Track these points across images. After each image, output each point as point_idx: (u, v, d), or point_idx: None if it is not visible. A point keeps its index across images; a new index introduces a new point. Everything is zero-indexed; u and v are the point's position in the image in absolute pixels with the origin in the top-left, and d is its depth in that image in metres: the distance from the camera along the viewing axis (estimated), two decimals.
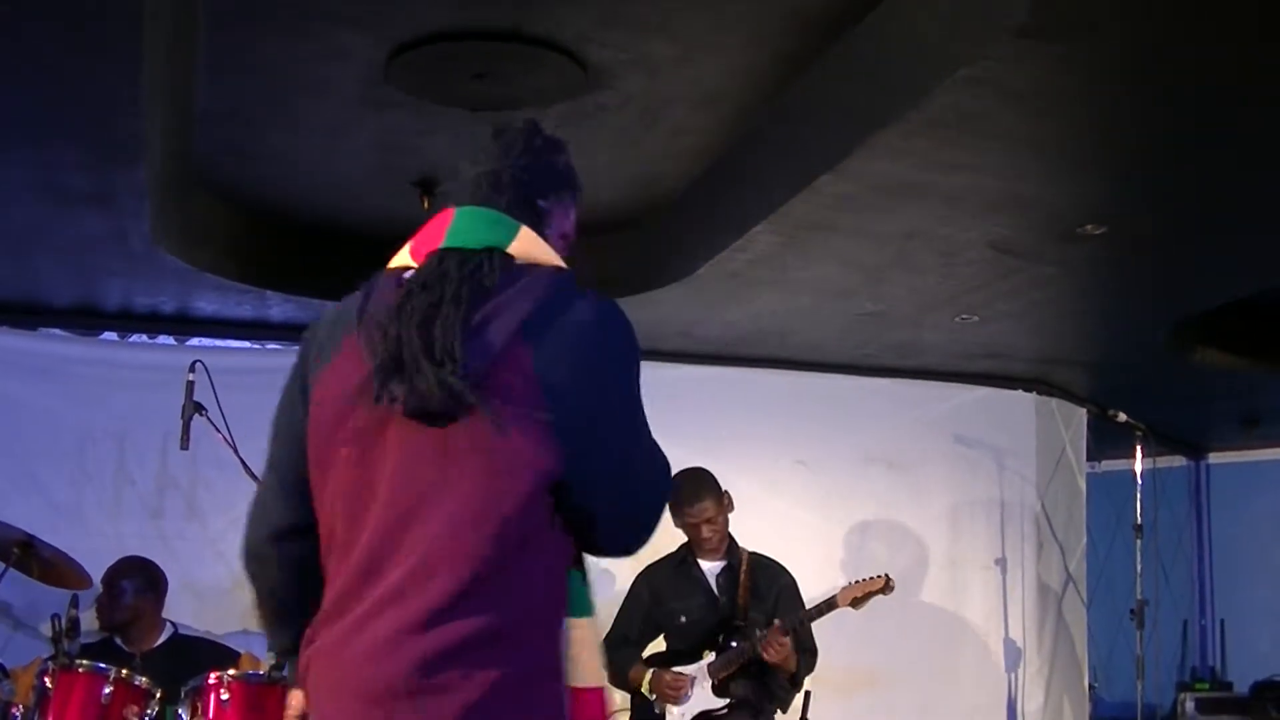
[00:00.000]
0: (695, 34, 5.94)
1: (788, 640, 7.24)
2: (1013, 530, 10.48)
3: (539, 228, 3.32)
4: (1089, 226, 7.09)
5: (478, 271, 3.15)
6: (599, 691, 3.13)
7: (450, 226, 3.31)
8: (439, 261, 3.21)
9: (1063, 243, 7.32)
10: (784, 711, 7.54)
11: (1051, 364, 10.31)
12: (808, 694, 7.88)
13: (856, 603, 7.46)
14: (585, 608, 3.12)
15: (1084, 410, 11.10)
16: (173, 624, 7.79)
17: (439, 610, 2.90)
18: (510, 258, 3.20)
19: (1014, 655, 10.34)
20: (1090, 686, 11.05)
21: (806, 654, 7.52)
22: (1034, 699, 10.35)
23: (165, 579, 8.04)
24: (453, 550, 2.93)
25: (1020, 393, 10.65)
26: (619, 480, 3.11)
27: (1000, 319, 8.90)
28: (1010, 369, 10.38)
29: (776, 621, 7.33)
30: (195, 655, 7.55)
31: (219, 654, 7.75)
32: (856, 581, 7.54)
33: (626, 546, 3.23)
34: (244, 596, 8.03)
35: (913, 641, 10.07)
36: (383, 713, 2.89)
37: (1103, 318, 9.30)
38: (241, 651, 7.96)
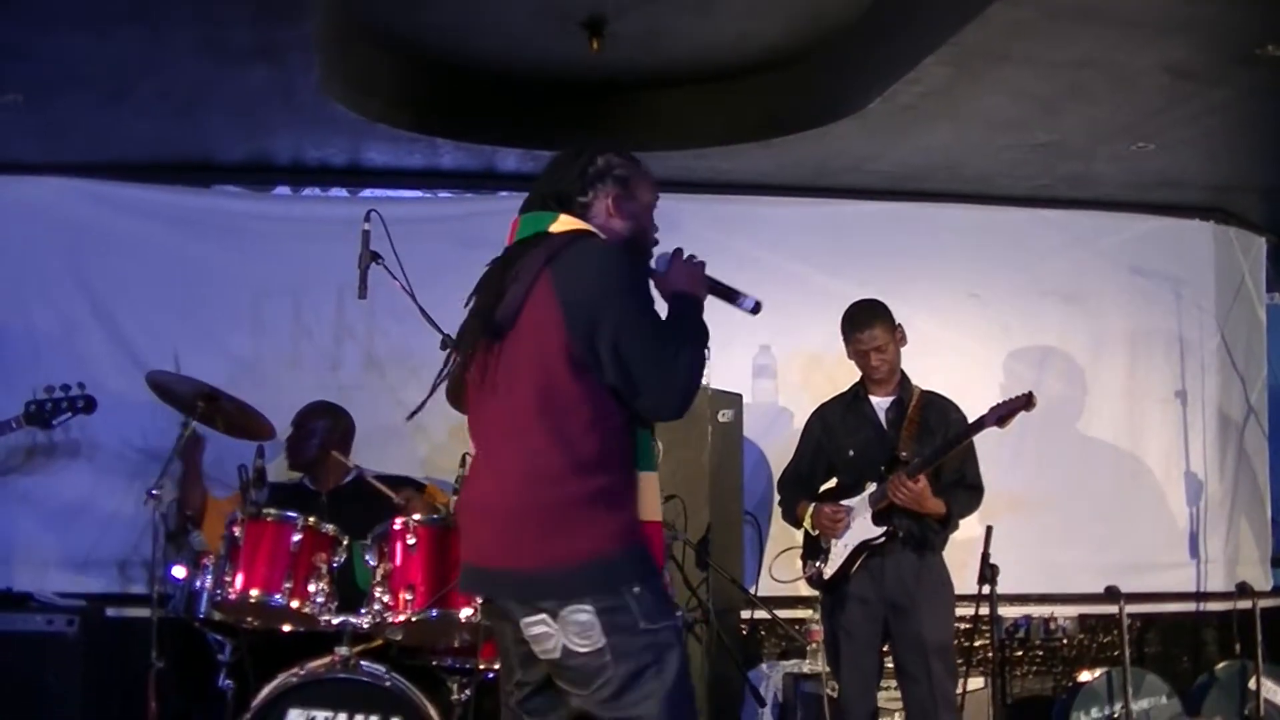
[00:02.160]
0: None
1: (916, 485, 7.17)
2: (1192, 362, 10.34)
3: (584, 216, 4.72)
4: (1269, 47, 6.92)
5: (522, 248, 4.66)
6: (657, 525, 4.69)
7: (516, 231, 4.79)
8: (504, 254, 4.77)
9: (1241, 65, 7.16)
10: (935, 552, 7.46)
11: (1229, 192, 10.10)
12: (989, 529, 7.86)
13: (1002, 420, 7.37)
14: (648, 462, 4.61)
15: (1263, 239, 10.87)
16: (359, 468, 7.88)
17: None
18: (549, 234, 4.63)
19: (1195, 489, 10.23)
20: (1273, 519, 10.90)
21: (966, 490, 7.47)
22: (1216, 532, 10.24)
23: (353, 424, 8.17)
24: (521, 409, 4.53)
25: (1197, 222, 10.45)
26: (622, 363, 4.38)
27: (1176, 146, 8.73)
28: (1186, 198, 10.18)
29: (904, 462, 7.30)
30: (377, 494, 7.64)
31: (402, 483, 7.86)
32: (1001, 401, 7.47)
33: (654, 414, 4.58)
34: (422, 445, 8.20)
35: (1093, 473, 10.01)
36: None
37: None
38: (426, 483, 8.07)
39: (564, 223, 4.65)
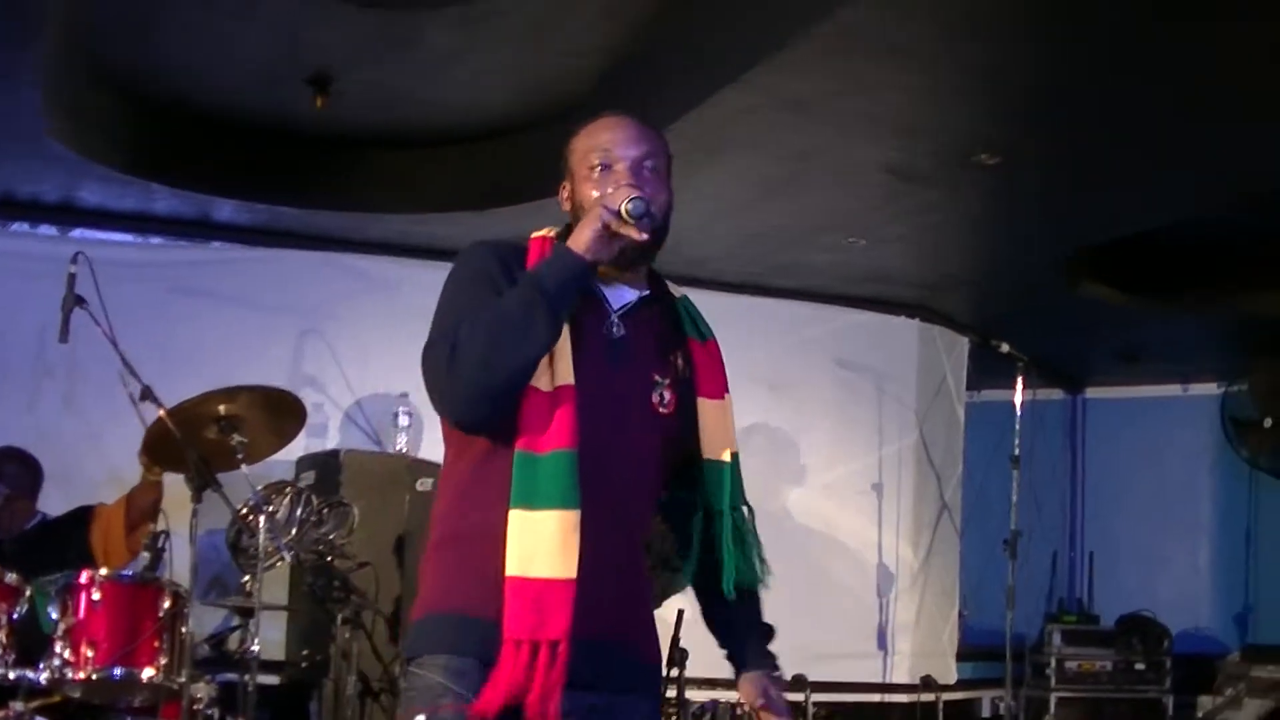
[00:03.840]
0: None
1: None
2: (890, 456, 10.54)
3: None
4: (984, 155, 7.12)
5: None
6: (549, 583, 3.32)
7: None
8: None
9: (958, 170, 7.36)
10: None
11: (936, 291, 10.34)
12: (680, 613, 7.89)
13: None
14: (534, 496, 3.36)
15: (965, 339, 11.16)
16: (43, 514, 7.68)
17: None
18: None
19: (887, 580, 10.41)
20: (960, 614, 11.14)
21: (669, 572, 7.50)
22: (905, 624, 10.43)
23: (42, 470, 7.94)
24: None
25: (903, 319, 10.68)
26: None
27: (889, 243, 8.93)
28: (894, 294, 10.41)
29: None
30: (56, 531, 7.47)
31: (74, 519, 7.67)
32: None
33: (442, 413, 3.54)
34: (117, 491, 8.01)
35: (787, 563, 9.95)
36: None
37: (990, 247, 9.37)
38: (97, 504, 7.84)
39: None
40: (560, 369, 3.40)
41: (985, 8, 5.54)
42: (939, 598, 10.80)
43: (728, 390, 3.79)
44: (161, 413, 6.69)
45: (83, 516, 7.63)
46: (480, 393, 3.35)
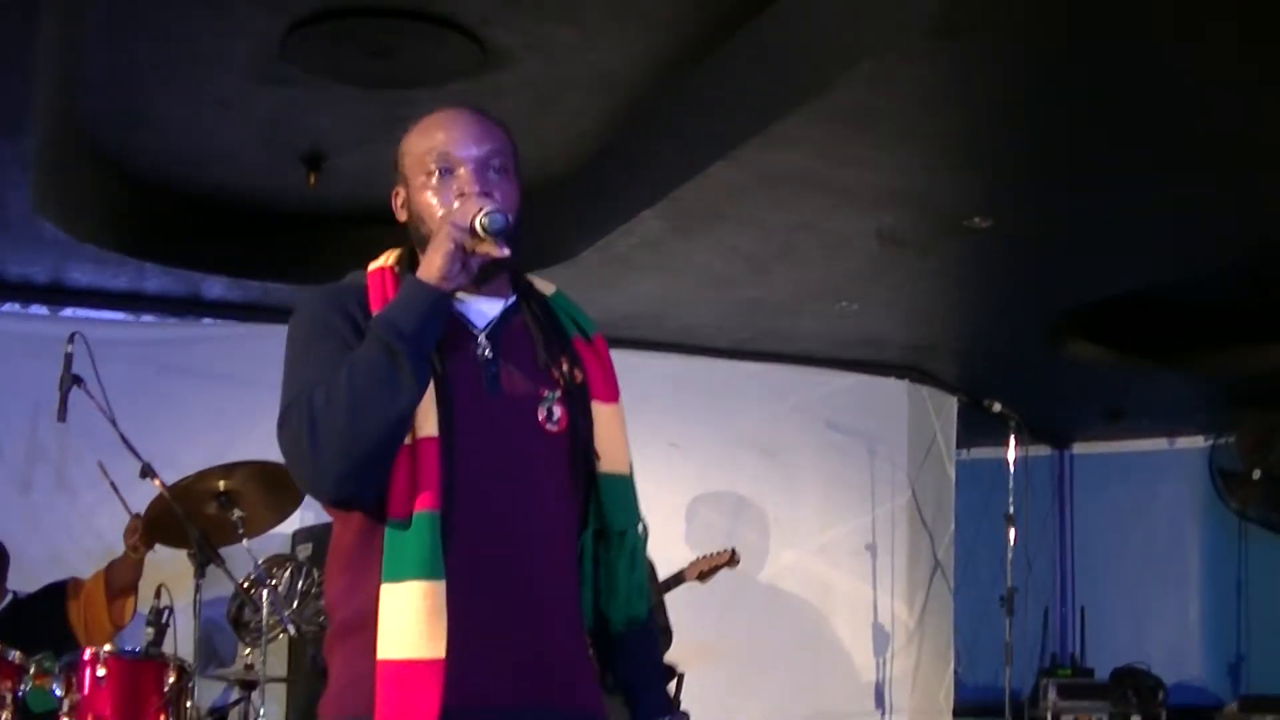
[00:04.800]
0: (596, 19, 5.96)
1: None
2: (883, 516, 10.56)
3: None
4: (975, 220, 7.17)
5: None
6: (413, 665, 2.88)
7: None
8: None
9: (948, 235, 7.41)
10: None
11: (924, 353, 10.40)
12: (680, 677, 7.90)
13: (704, 576, 7.47)
14: (402, 567, 2.91)
15: (955, 399, 11.21)
16: (14, 593, 7.64)
17: None
18: None
19: (882, 640, 10.43)
20: (955, 671, 11.17)
21: (661, 633, 7.54)
22: (901, 683, 10.44)
23: (6, 553, 7.88)
24: None
25: (893, 380, 10.73)
26: None
27: (878, 308, 8.99)
28: (884, 357, 10.46)
29: None
30: (31, 609, 7.46)
31: (49, 595, 7.65)
32: (704, 556, 7.54)
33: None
34: None
35: (784, 624, 10.14)
36: None
37: (979, 309, 9.43)
38: (70, 580, 7.79)
39: None
40: (420, 420, 2.93)
41: (968, 79, 5.61)
42: (934, 655, 10.83)
43: (619, 395, 3.30)
44: (161, 489, 6.72)
45: (58, 592, 7.55)
46: (351, 465, 2.86)
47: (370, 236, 8.64)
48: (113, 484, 7.06)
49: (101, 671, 6.44)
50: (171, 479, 6.83)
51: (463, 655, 2.87)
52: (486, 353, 3.08)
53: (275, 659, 7.93)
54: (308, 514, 8.53)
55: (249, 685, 7.08)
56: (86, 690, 6.43)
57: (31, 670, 6.63)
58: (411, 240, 3.18)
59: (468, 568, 2.91)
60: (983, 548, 11.12)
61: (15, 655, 6.57)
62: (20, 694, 6.58)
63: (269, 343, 9.55)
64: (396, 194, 3.23)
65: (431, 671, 2.84)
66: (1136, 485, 12.68)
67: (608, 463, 3.22)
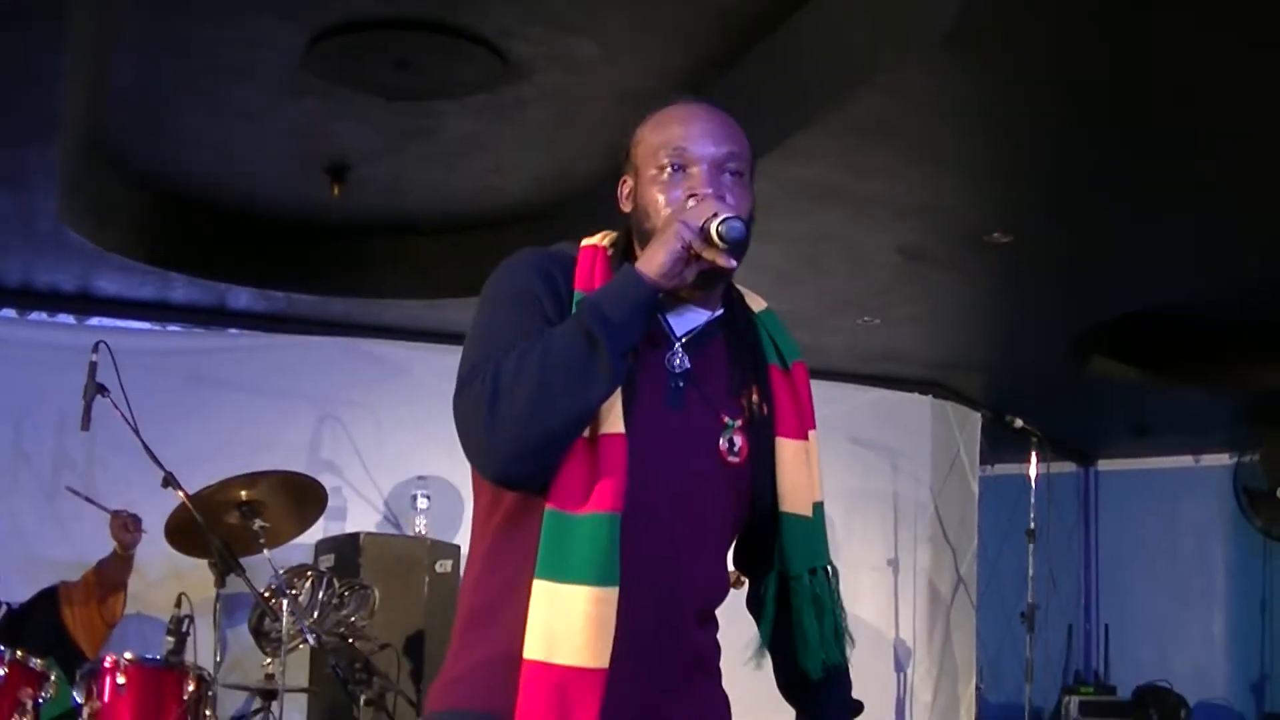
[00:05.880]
0: (616, 32, 5.97)
1: None
2: (906, 532, 10.56)
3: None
4: (997, 235, 7.17)
5: None
6: (569, 670, 2.70)
7: None
8: None
9: (970, 250, 7.40)
10: None
11: (948, 368, 10.40)
12: None
13: None
14: (564, 568, 2.73)
15: (978, 414, 11.21)
16: (7, 604, 7.65)
17: None
18: None
19: (904, 655, 10.42)
20: (977, 688, 11.15)
21: None
22: (922, 699, 10.43)
23: None
24: None
25: (916, 395, 10.73)
26: None
27: (901, 323, 8.98)
28: (907, 372, 10.47)
29: None
30: (26, 617, 7.49)
31: (42, 601, 7.67)
32: None
33: (475, 466, 2.84)
34: (135, 582, 8.05)
35: None
36: None
37: (1002, 324, 9.42)
38: (59, 584, 7.76)
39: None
40: (607, 413, 2.75)
41: (987, 91, 5.61)
42: (956, 672, 10.81)
43: (814, 426, 3.18)
44: (184, 498, 6.74)
45: (50, 597, 7.61)
46: (526, 447, 2.69)
47: (395, 245, 8.73)
48: (88, 498, 7.38)
49: (121, 680, 6.47)
50: (195, 488, 6.86)
51: (624, 669, 2.71)
52: (680, 364, 2.92)
53: (297, 669, 7.96)
54: (330, 525, 8.56)
55: (269, 695, 7.09)
56: (107, 698, 6.47)
57: (53, 677, 6.68)
58: (630, 228, 3.03)
59: (634, 580, 2.72)
60: (1006, 565, 11.10)
61: (37, 662, 6.61)
62: (41, 701, 6.63)
63: (294, 353, 9.68)
64: (624, 182, 3.08)
65: (593, 681, 2.68)
66: (1161, 502, 12.65)
67: (789, 503, 3.05)
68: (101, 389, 6.81)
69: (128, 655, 6.55)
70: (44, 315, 9.25)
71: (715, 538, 2.98)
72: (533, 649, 2.70)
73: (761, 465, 3.00)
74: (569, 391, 2.66)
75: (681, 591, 2.88)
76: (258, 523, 7.01)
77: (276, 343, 9.40)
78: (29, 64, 5.59)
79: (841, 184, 6.52)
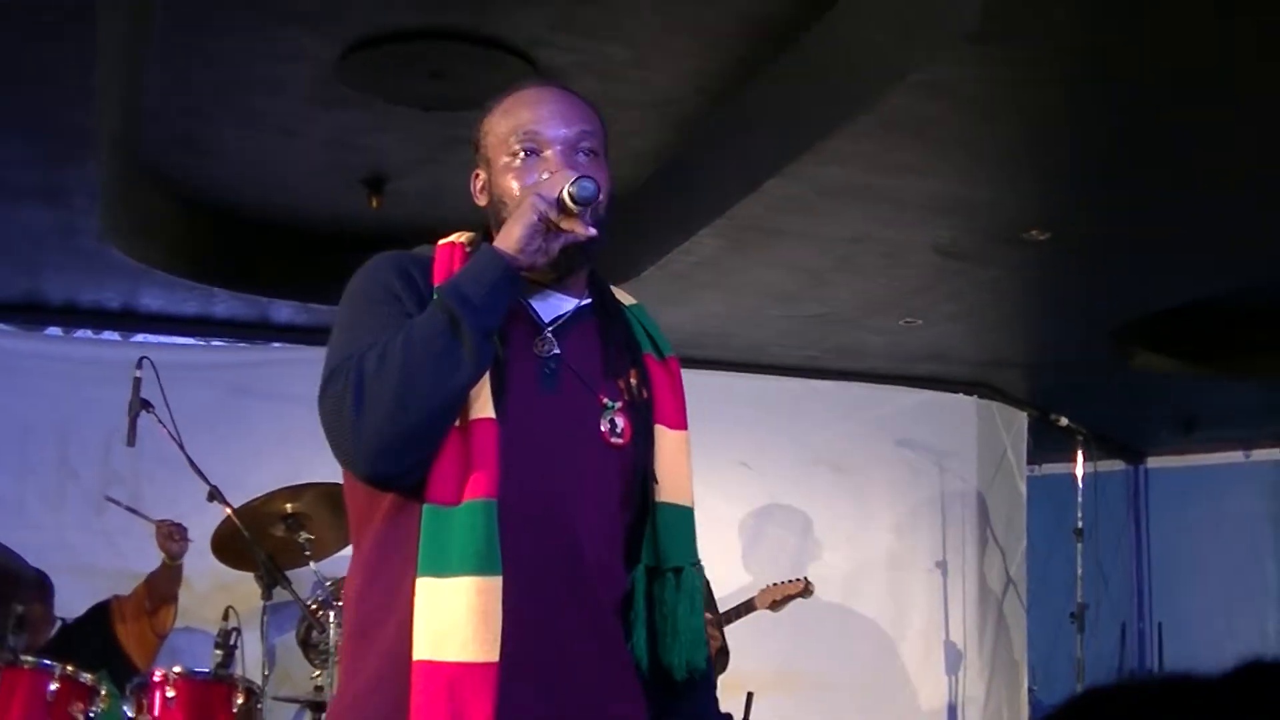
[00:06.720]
0: (647, 38, 5.97)
1: None
2: (954, 533, 10.55)
3: None
4: (1033, 231, 7.14)
5: None
6: (463, 667, 2.66)
7: None
8: None
9: (1007, 247, 7.38)
10: None
11: (992, 367, 10.38)
12: (750, 695, 7.89)
13: (775, 605, 7.43)
14: (445, 561, 2.69)
15: (1024, 414, 11.17)
16: (62, 620, 7.70)
17: None
18: None
19: (955, 657, 10.40)
20: (1030, 689, 11.11)
21: (718, 654, 7.51)
22: (975, 701, 10.41)
23: (50, 583, 7.89)
24: None
25: (961, 396, 10.72)
26: None
27: (943, 322, 8.96)
28: (951, 372, 10.45)
29: None
30: (79, 632, 7.55)
31: (95, 616, 7.74)
32: (775, 584, 7.51)
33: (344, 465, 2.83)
34: (186, 592, 8.10)
35: (856, 643, 10.12)
36: None
37: (1044, 322, 9.38)
38: (112, 598, 7.81)
39: None
40: (475, 399, 2.72)
41: (1017, 85, 5.59)
42: (1008, 674, 10.78)
43: (687, 423, 3.10)
44: (229, 512, 6.78)
45: (102, 611, 7.71)
46: (397, 439, 2.65)
47: None
48: (130, 508, 7.51)
49: (171, 693, 6.51)
50: (240, 501, 6.90)
51: (521, 660, 2.69)
52: (548, 348, 2.90)
53: None
54: None
55: (318, 707, 7.12)
56: (157, 711, 6.52)
57: (104, 690, 6.72)
58: (489, 225, 3.01)
59: (522, 568, 2.70)
60: (1057, 565, 11.05)
61: (87, 677, 6.65)
62: (92, 715, 6.66)
63: None
64: (476, 176, 3.07)
65: (484, 675, 2.64)
66: (1212, 498, 12.57)
67: (668, 491, 3.02)
68: (146, 404, 6.88)
69: (177, 668, 6.60)
70: (89, 332, 9.33)
71: (604, 518, 2.91)
72: (421, 649, 2.66)
73: (645, 447, 2.99)
74: (434, 376, 2.64)
75: (577, 576, 2.83)
76: (303, 535, 7.05)
77: (320, 356, 9.37)
78: (62, 81, 5.63)
79: (874, 184, 6.50)
